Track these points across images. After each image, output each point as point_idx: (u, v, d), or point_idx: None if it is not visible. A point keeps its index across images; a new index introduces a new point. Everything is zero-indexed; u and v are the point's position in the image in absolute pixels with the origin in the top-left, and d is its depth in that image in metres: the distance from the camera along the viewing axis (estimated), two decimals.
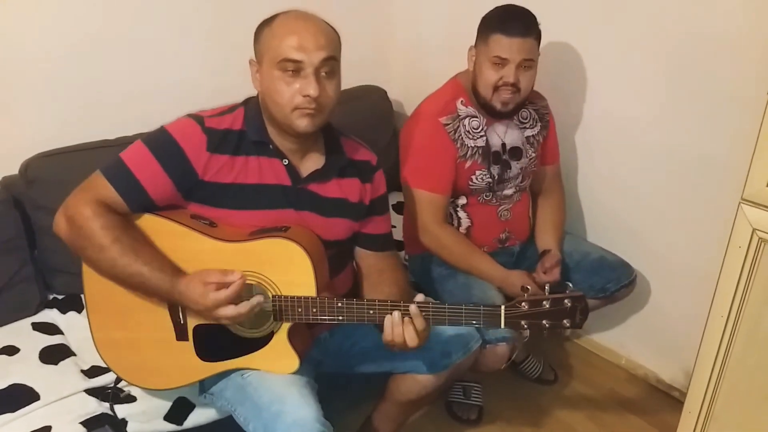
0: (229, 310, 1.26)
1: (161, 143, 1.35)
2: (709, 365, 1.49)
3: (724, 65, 1.77)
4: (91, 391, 1.53)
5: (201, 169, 1.35)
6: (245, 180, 1.39)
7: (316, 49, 1.30)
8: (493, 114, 1.82)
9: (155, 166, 1.33)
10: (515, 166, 1.90)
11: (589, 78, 2.11)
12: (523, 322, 1.30)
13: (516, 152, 1.90)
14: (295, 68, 1.30)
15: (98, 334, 1.44)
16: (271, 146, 1.40)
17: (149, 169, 1.33)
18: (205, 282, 1.26)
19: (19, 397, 1.50)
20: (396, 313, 1.30)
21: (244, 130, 1.39)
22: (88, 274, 1.37)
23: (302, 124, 1.34)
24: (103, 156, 1.53)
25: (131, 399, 1.52)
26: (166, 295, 1.30)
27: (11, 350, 1.66)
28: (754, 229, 1.35)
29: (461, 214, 1.91)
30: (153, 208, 1.36)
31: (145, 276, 1.28)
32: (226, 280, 1.26)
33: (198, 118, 1.38)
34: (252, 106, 1.42)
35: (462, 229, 1.92)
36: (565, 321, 1.30)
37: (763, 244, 1.34)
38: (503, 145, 1.88)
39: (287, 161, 1.41)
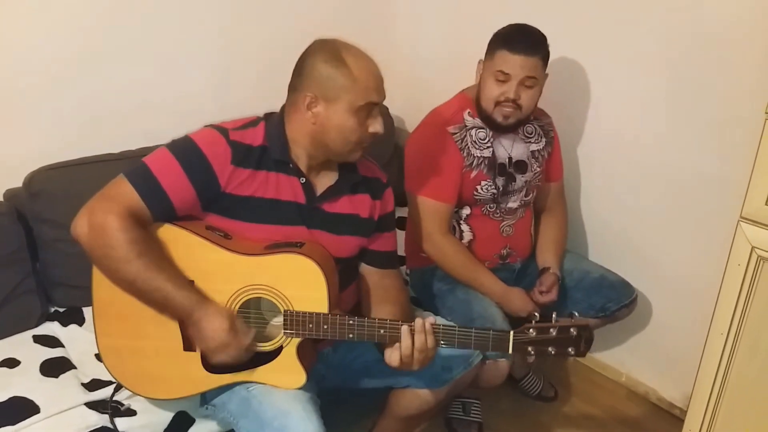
0: (224, 356, 1.32)
1: (187, 152, 1.36)
2: (709, 383, 1.49)
3: (724, 85, 1.79)
4: (91, 405, 1.53)
5: (224, 181, 1.37)
6: (263, 194, 1.40)
7: (383, 89, 1.40)
8: (495, 127, 1.84)
9: (180, 174, 1.34)
10: (520, 179, 1.91)
11: (591, 97, 2.13)
12: (529, 348, 1.32)
13: (521, 165, 1.91)
14: (370, 109, 1.38)
15: (103, 340, 1.43)
16: (291, 165, 1.42)
17: (174, 177, 1.34)
18: (233, 324, 1.30)
19: (19, 409, 1.49)
20: (406, 327, 1.31)
21: (266, 145, 1.41)
22: (99, 280, 1.36)
23: (357, 155, 1.44)
24: (107, 170, 1.53)
25: (132, 413, 1.52)
26: (185, 311, 1.31)
27: (12, 363, 1.66)
28: (753, 247, 1.36)
29: (464, 227, 1.92)
30: (173, 217, 1.37)
31: (168, 291, 1.29)
32: (242, 336, 1.31)
33: (223, 130, 1.40)
34: (274, 123, 1.44)
35: (464, 243, 1.93)
36: (569, 349, 1.32)
37: (762, 262, 1.35)
38: (509, 158, 1.90)
39: (304, 179, 1.43)
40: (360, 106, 1.35)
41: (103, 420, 1.49)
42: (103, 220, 1.28)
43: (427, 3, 2.56)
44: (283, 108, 1.45)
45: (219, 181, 1.37)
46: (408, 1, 2.62)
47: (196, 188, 1.36)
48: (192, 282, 1.36)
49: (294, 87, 1.41)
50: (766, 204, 1.32)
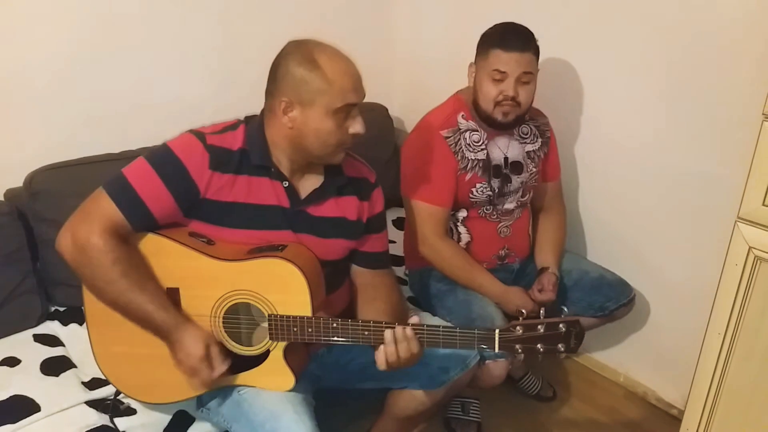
0: (193, 381, 1.33)
1: (164, 160, 1.36)
2: (706, 383, 1.49)
3: (721, 86, 1.79)
4: (91, 403, 1.54)
5: (203, 186, 1.36)
6: (245, 200, 1.39)
7: (361, 88, 1.36)
8: (494, 126, 1.84)
9: (158, 182, 1.34)
10: (516, 180, 1.92)
11: (588, 97, 2.13)
12: (517, 346, 1.30)
13: (517, 166, 1.92)
14: (348, 110, 1.35)
15: (98, 349, 1.45)
16: (272, 169, 1.41)
17: (152, 186, 1.34)
18: (207, 353, 1.30)
19: (19, 408, 1.50)
20: (389, 332, 1.30)
21: (246, 149, 1.39)
22: (89, 291, 1.37)
23: (340, 158, 1.42)
24: (107, 169, 1.53)
25: (131, 412, 1.53)
26: (164, 332, 1.32)
27: (12, 361, 1.66)
28: (750, 248, 1.36)
29: (461, 228, 1.93)
30: (154, 225, 1.36)
31: (149, 312, 1.30)
32: (215, 366, 1.32)
33: (200, 135, 1.39)
34: (255, 127, 1.42)
35: (462, 245, 1.93)
36: (559, 345, 1.30)
37: (759, 262, 1.36)
38: (505, 158, 1.90)
39: (287, 183, 1.42)
40: (337, 109, 1.33)
41: (103, 419, 1.50)
42: (86, 240, 1.28)
43: (427, 4, 2.57)
44: (262, 112, 1.43)
45: (197, 187, 1.36)
46: (408, 2, 2.62)
47: (175, 196, 1.35)
48: (177, 290, 1.36)
49: (269, 92, 1.38)
50: (763, 205, 1.33)
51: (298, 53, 1.33)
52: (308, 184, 1.46)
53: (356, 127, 1.37)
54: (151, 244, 1.36)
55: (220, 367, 1.32)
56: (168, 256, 1.35)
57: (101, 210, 1.32)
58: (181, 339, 1.30)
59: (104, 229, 1.29)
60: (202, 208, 1.38)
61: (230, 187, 1.38)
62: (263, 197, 1.41)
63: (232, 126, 1.43)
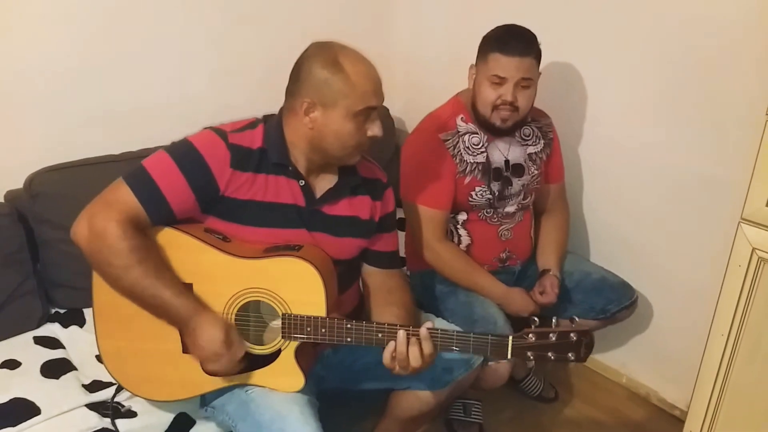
0: (216, 366, 1.33)
1: (186, 156, 1.36)
2: (710, 384, 1.49)
3: (724, 86, 1.79)
4: (92, 406, 1.53)
5: (223, 184, 1.37)
6: (262, 198, 1.40)
7: (381, 92, 1.39)
8: (493, 131, 1.84)
9: (179, 177, 1.34)
10: (517, 183, 1.91)
11: (592, 99, 2.13)
12: (529, 353, 1.31)
13: (518, 169, 1.91)
14: (368, 113, 1.37)
15: (104, 342, 1.44)
16: (290, 168, 1.42)
17: (173, 181, 1.34)
18: (228, 336, 1.30)
19: (19, 411, 1.49)
20: (402, 332, 1.30)
21: (265, 148, 1.41)
22: (99, 283, 1.36)
23: (356, 159, 1.45)
24: (107, 171, 1.54)
25: (132, 414, 1.52)
26: (182, 319, 1.31)
27: (12, 364, 1.65)
28: (753, 249, 1.36)
29: (461, 231, 1.92)
30: (172, 220, 1.36)
31: (166, 299, 1.29)
32: (235, 348, 1.32)
33: (221, 132, 1.39)
34: (273, 126, 1.43)
35: (462, 247, 1.93)
36: (570, 354, 1.31)
37: (762, 263, 1.36)
38: (506, 161, 1.90)
39: (303, 182, 1.43)
40: (358, 111, 1.35)
41: (103, 422, 1.49)
42: (104, 228, 1.28)
43: (427, 4, 2.56)
44: (281, 111, 1.44)
45: (218, 184, 1.37)
46: (408, 2, 2.62)
47: (195, 192, 1.35)
48: (191, 285, 1.36)
49: (291, 92, 1.39)
50: (766, 205, 1.32)
51: (322, 55, 1.35)
52: (323, 183, 1.47)
53: (375, 130, 1.39)
54: (166, 238, 1.36)
55: (241, 350, 1.32)
56: (183, 251, 1.35)
57: (121, 200, 1.32)
58: (200, 325, 1.30)
59: (123, 217, 1.29)
60: (220, 205, 1.39)
61: (249, 185, 1.39)
62: (280, 195, 1.42)
63: (251, 124, 1.44)
